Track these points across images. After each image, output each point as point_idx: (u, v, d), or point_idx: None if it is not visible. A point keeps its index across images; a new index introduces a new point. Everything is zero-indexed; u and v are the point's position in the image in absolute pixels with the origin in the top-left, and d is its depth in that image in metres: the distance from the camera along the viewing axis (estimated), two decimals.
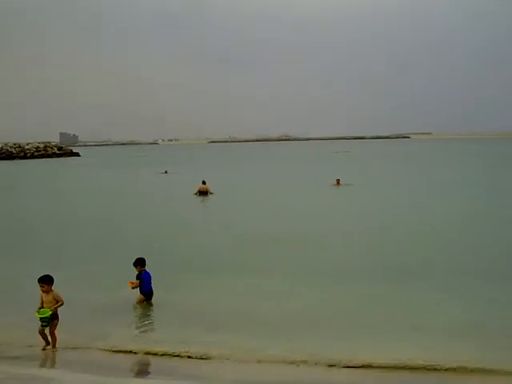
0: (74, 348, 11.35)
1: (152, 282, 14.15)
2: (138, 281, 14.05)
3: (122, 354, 10.97)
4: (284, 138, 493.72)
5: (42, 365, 10.50)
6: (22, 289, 16.02)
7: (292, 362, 10.24)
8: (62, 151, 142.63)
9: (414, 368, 9.85)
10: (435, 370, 9.77)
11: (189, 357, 10.70)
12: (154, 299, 14.14)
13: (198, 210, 34.13)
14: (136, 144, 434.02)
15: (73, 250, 21.39)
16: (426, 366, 9.86)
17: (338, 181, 42.53)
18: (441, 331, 11.66)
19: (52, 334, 11.32)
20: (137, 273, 14.14)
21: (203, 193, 39.32)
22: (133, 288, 14.05)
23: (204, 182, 40.04)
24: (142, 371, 10.69)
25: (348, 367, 9.97)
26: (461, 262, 17.83)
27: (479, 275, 16.08)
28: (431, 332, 11.64)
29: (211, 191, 39.68)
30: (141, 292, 14.07)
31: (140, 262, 14.21)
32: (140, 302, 14.02)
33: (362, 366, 9.97)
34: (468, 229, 23.90)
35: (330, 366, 10.05)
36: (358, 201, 34.74)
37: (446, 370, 9.75)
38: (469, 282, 15.42)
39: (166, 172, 63.74)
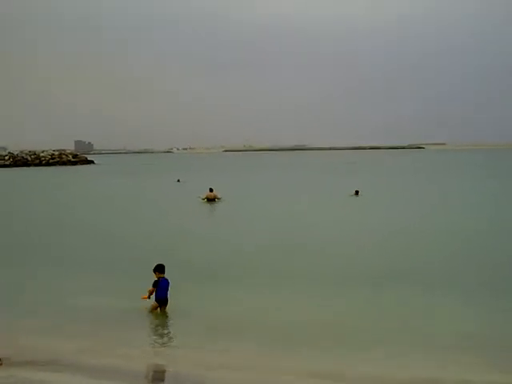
0: (84, 354, 11.30)
1: (169, 290, 14.09)
2: (152, 288, 14.03)
3: (132, 361, 10.92)
4: (299, 147, 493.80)
5: (52, 369, 10.42)
6: (32, 294, 16.14)
7: (306, 373, 10.17)
8: (77, 159, 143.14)
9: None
10: None
11: (200, 365, 10.65)
12: (167, 307, 14.09)
13: (208, 218, 34.23)
14: (150, 152, 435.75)
15: (85, 257, 21.45)
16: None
17: (357, 192, 42.66)
18: (446, 343, 11.58)
19: None
20: (155, 279, 14.11)
21: (211, 200, 40.39)
22: (148, 297, 14.09)
23: (211, 190, 41.27)
24: (155, 378, 10.65)
25: (358, 381, 9.90)
26: (470, 273, 17.73)
27: (487, 285, 16.07)
28: (436, 343, 11.54)
29: (219, 197, 40.93)
30: (155, 299, 14.05)
31: (159, 269, 14.17)
32: (154, 309, 13.98)
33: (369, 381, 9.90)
34: (475, 240, 23.68)
35: (339, 378, 9.99)
36: (375, 211, 34.59)
37: None
38: (477, 291, 15.38)
39: (178, 181, 64.04)
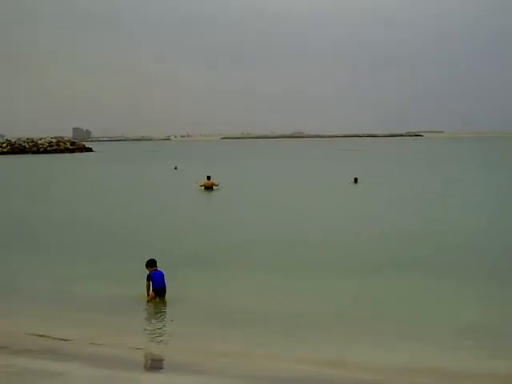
0: (84, 342, 11.33)
1: (165, 279, 14.12)
2: (147, 283, 14.09)
3: (132, 349, 10.96)
4: (297, 134, 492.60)
5: (52, 358, 10.40)
6: (32, 282, 16.18)
7: (304, 361, 10.22)
8: (75, 146, 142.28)
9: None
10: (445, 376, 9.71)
11: (200, 353, 10.69)
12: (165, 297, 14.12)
13: (205, 207, 34.34)
14: (149, 140, 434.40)
15: (84, 245, 21.51)
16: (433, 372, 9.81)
17: (356, 179, 42.72)
18: (447, 332, 11.64)
19: None
20: (147, 273, 14.19)
21: (208, 188, 40.44)
22: (148, 294, 14.14)
23: (209, 178, 41.28)
24: (153, 366, 10.68)
25: (358, 369, 9.93)
26: (472, 262, 17.77)
27: (488, 274, 16.16)
28: (437, 333, 11.62)
29: (216, 184, 40.87)
30: (152, 289, 14.10)
31: (150, 263, 14.31)
32: (151, 299, 14.02)
33: (372, 369, 9.92)
34: (477, 230, 23.65)
35: (339, 366, 10.02)
36: (374, 199, 34.77)
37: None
38: (479, 281, 15.47)
39: (175, 168, 64.19)
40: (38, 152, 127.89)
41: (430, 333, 11.59)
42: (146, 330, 12.18)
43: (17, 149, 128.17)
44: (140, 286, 14.21)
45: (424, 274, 16.13)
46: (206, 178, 41.45)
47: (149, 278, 14.11)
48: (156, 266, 14.25)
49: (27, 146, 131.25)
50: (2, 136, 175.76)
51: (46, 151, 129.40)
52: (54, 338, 11.49)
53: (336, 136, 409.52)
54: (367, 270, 16.74)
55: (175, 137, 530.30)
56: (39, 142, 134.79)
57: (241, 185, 45.08)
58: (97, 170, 71.07)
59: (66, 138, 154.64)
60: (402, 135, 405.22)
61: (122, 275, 16.43)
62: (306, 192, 39.03)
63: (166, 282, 14.13)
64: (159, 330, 12.13)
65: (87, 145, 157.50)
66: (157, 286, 14.07)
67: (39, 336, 11.62)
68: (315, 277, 16.04)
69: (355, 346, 10.89)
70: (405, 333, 11.63)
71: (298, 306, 13.54)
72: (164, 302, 13.90)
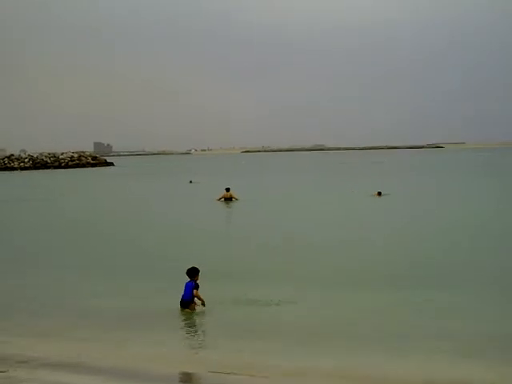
0: (107, 355, 11.21)
1: (192, 292, 14.01)
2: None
3: (155, 363, 10.80)
4: (317, 147, 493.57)
5: (74, 371, 10.32)
6: (56, 296, 16.21)
7: (337, 377, 10.01)
8: (96, 161, 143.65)
9: None
10: None
11: (224, 367, 10.52)
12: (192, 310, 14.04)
13: (223, 218, 34.35)
14: (169, 154, 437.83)
15: (107, 259, 21.46)
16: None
17: (380, 192, 42.38)
18: (461, 343, 11.47)
19: None
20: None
21: (228, 199, 40.79)
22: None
23: (228, 189, 41.48)
24: (175, 380, 10.46)
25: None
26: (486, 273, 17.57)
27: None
28: (453, 344, 11.41)
29: (236, 197, 41.07)
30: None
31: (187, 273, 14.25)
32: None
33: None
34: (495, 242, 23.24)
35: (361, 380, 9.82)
36: (397, 213, 34.39)
37: None
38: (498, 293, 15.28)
39: (190, 182, 64.87)
40: (59, 167, 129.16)
41: (449, 343, 11.36)
42: (170, 343, 12.01)
43: (39, 164, 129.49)
44: (161, 299, 14.29)
45: (443, 288, 15.85)
46: (224, 190, 41.60)
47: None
48: (190, 277, 14.06)
49: (49, 160, 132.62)
50: (24, 151, 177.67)
51: (67, 166, 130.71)
52: (79, 352, 11.36)
53: (355, 148, 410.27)
54: (385, 282, 16.72)
55: (196, 150, 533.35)
56: (61, 156, 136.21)
57: (261, 197, 45.18)
58: (118, 184, 71.63)
59: (88, 153, 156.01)
60: (422, 147, 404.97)
61: (143, 289, 16.35)
62: (328, 205, 38.89)
63: (191, 294, 13.94)
64: (184, 344, 12.09)
65: (108, 159, 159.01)
66: (182, 296, 13.99)
67: (64, 349, 11.52)
68: (340, 288, 15.96)
69: (377, 359, 10.69)
70: (422, 344, 11.43)
71: (324, 318, 13.41)
72: (190, 315, 13.76)
